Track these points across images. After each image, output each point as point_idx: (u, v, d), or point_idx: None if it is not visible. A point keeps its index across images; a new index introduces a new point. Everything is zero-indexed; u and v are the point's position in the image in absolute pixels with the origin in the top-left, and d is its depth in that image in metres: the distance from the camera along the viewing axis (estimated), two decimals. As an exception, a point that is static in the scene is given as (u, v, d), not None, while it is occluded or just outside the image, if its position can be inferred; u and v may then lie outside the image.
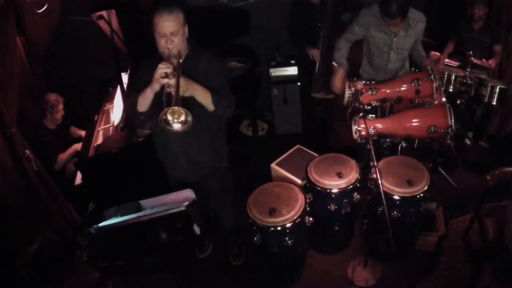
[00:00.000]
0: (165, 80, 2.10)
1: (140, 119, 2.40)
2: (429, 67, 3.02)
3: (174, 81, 2.08)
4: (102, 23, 3.40)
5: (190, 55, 2.36)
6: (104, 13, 3.35)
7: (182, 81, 2.12)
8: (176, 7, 2.22)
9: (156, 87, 2.15)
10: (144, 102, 2.24)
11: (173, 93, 2.07)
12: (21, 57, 3.51)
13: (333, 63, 3.20)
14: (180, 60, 2.22)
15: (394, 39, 3.08)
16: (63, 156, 3.58)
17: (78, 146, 3.65)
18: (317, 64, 3.89)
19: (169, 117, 2.06)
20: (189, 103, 2.18)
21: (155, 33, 2.22)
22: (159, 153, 2.64)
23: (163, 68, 2.10)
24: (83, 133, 3.84)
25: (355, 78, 3.17)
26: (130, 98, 2.38)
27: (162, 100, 2.13)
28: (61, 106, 3.63)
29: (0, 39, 2.65)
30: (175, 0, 4.11)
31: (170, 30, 2.17)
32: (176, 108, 2.01)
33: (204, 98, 2.27)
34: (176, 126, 2.08)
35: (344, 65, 3.16)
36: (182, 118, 2.06)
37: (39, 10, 3.37)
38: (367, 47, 3.27)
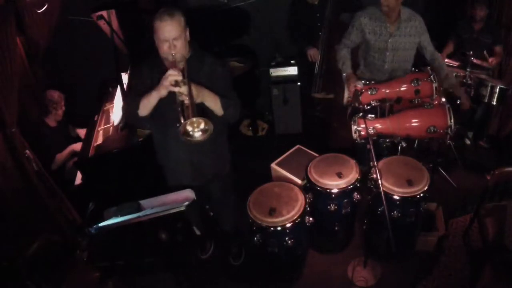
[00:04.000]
0: (176, 89, 2.04)
1: (139, 123, 2.36)
2: (429, 70, 3.02)
3: (185, 88, 2.03)
4: (102, 23, 3.40)
5: (193, 58, 2.29)
6: (104, 13, 3.35)
7: (193, 88, 2.08)
8: (177, 11, 2.16)
9: (163, 93, 2.09)
10: (147, 106, 2.19)
11: (186, 101, 2.04)
12: (21, 57, 3.52)
13: (343, 74, 3.15)
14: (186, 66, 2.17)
15: (389, 40, 3.08)
16: (61, 156, 3.59)
17: (75, 146, 3.66)
18: (317, 64, 3.89)
19: (189, 128, 2.02)
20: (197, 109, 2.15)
21: (156, 38, 2.16)
22: (161, 159, 2.60)
23: (173, 76, 2.02)
24: (82, 132, 3.84)
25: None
26: (130, 102, 2.31)
27: (177, 110, 2.08)
28: (63, 102, 3.66)
29: (0, 39, 2.65)
30: (175, 0, 4.15)
31: (172, 35, 2.10)
32: (194, 119, 1.99)
33: (214, 103, 2.22)
34: (198, 135, 2.03)
35: (352, 74, 3.11)
36: (202, 126, 2.02)
37: (39, 10, 3.37)
38: (364, 50, 3.26)
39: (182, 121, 2.03)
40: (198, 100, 2.13)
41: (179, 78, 2.04)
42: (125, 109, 2.55)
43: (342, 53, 3.19)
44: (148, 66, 2.31)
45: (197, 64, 2.29)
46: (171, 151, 2.46)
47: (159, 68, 2.24)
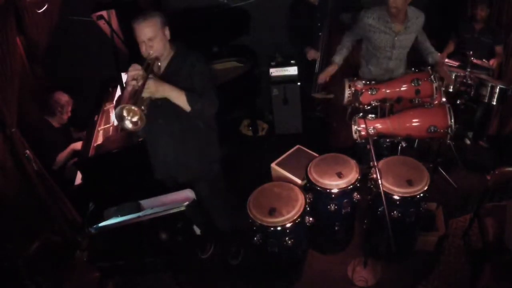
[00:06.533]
0: (134, 82, 2.13)
1: None
2: (430, 70, 3.03)
3: (141, 82, 2.12)
4: (102, 23, 3.40)
5: (175, 57, 2.39)
6: (104, 13, 3.35)
7: (152, 82, 2.15)
8: (152, 12, 2.27)
9: (129, 89, 2.19)
10: None
11: (136, 88, 2.12)
12: (21, 57, 3.52)
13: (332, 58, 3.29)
14: (159, 63, 2.27)
15: (396, 38, 3.08)
16: (62, 155, 3.59)
17: (76, 145, 3.66)
18: (317, 64, 3.89)
19: (125, 113, 2.05)
20: (170, 106, 2.25)
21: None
22: (150, 153, 2.66)
23: (132, 71, 2.15)
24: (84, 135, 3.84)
25: (355, 78, 3.18)
26: (117, 103, 2.41)
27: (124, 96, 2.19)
28: (70, 108, 3.66)
29: (0, 39, 2.65)
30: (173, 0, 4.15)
31: (147, 36, 2.21)
32: (132, 107, 2.02)
33: (178, 99, 2.28)
34: (127, 124, 2.07)
35: (337, 64, 3.26)
36: (135, 118, 2.05)
37: (39, 10, 3.37)
38: (368, 49, 3.27)
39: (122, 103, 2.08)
40: (158, 94, 2.21)
41: (138, 73, 2.13)
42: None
43: (344, 41, 3.29)
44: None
45: (179, 63, 2.38)
46: (157, 146, 2.55)
47: None
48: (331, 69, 3.27)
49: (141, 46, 2.26)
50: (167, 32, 2.33)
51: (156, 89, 2.18)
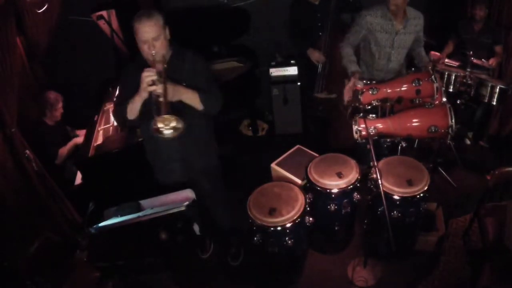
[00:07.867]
0: (153, 88, 2.09)
1: (129, 125, 2.44)
2: (430, 67, 3.03)
3: (160, 87, 2.08)
4: (102, 23, 3.41)
5: (174, 56, 2.36)
6: (104, 13, 3.36)
7: (169, 87, 2.13)
8: (155, 11, 2.21)
9: (144, 95, 2.16)
10: (133, 110, 2.25)
11: (160, 99, 2.08)
12: (21, 57, 3.52)
13: (349, 71, 3.12)
14: (165, 65, 2.21)
15: (395, 38, 3.09)
16: (64, 150, 3.59)
17: (78, 139, 3.65)
18: (320, 64, 3.88)
19: (160, 125, 2.05)
20: (178, 106, 2.22)
21: (136, 39, 2.21)
22: (150, 157, 2.64)
23: (148, 76, 2.09)
24: (82, 133, 3.84)
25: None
26: (118, 106, 2.37)
27: (152, 108, 2.14)
28: (60, 104, 3.64)
29: (0, 39, 2.65)
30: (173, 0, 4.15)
31: (151, 35, 2.15)
32: (166, 116, 2.02)
33: (192, 99, 2.28)
34: (168, 133, 2.07)
35: (358, 73, 3.06)
36: (173, 124, 2.06)
37: (39, 10, 3.37)
38: (367, 49, 3.27)
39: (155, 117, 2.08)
40: (174, 98, 2.18)
41: (155, 77, 2.09)
42: (113, 113, 2.60)
43: (346, 50, 3.20)
44: (132, 69, 2.34)
45: (179, 62, 2.35)
46: (161, 148, 2.51)
47: (144, 68, 2.28)
48: (354, 82, 2.98)
49: (142, 46, 2.20)
50: (167, 32, 2.29)
51: (173, 93, 2.16)
